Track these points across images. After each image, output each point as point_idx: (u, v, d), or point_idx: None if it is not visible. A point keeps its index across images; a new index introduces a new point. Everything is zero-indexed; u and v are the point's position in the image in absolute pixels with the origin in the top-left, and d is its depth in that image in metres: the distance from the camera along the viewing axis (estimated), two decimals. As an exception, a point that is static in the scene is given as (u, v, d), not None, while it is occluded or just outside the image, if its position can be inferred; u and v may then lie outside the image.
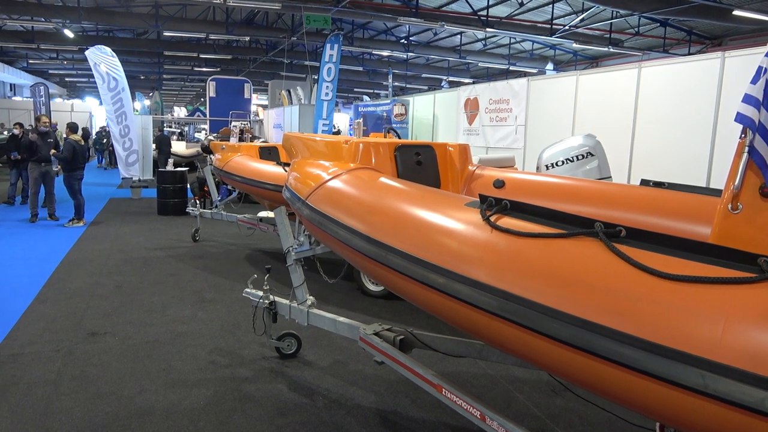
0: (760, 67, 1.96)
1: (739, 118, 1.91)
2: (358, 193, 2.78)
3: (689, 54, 19.83)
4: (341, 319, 3.88)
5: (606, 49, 20.36)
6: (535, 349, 1.74)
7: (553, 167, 5.70)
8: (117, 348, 4.50)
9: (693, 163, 6.23)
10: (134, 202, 13.18)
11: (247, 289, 4.50)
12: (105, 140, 22.78)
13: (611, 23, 18.93)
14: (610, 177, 5.72)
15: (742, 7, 14.57)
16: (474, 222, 2.03)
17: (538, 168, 5.81)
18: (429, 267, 2.06)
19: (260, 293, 4.34)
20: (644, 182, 3.27)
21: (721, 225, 2.01)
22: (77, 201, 9.81)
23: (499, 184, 3.56)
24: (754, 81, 1.95)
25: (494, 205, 2.04)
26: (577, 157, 5.63)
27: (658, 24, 19.55)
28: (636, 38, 20.52)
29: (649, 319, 1.47)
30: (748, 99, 1.93)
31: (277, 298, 4.33)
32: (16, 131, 11.50)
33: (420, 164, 3.55)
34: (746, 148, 1.89)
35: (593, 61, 25.01)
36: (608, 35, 20.06)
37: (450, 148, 3.69)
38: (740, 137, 1.98)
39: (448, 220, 2.14)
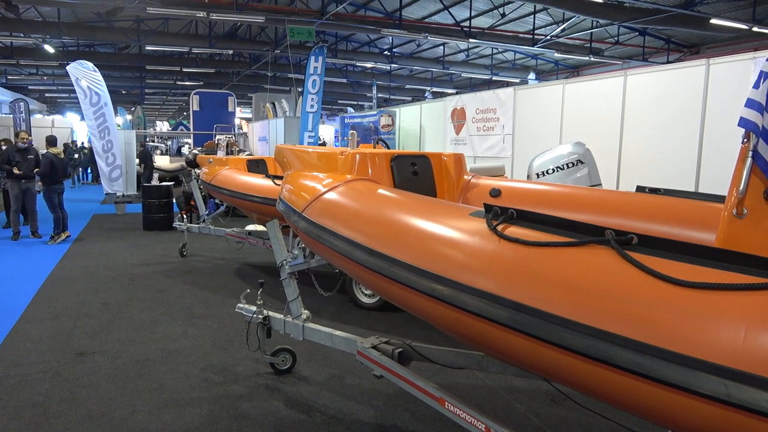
0: (761, 72, 1.96)
1: (743, 122, 1.91)
2: (358, 204, 2.74)
3: (668, 62, 20.19)
4: (338, 332, 3.83)
5: (587, 58, 20.65)
6: (549, 361, 1.71)
7: (543, 175, 5.71)
8: (106, 368, 4.39)
9: (681, 169, 6.29)
10: (119, 217, 13.01)
11: (240, 304, 4.42)
12: (76, 156, 22.34)
13: (591, 33, 19.22)
14: (600, 184, 5.75)
15: (719, 15, 14.87)
16: (480, 232, 2.01)
17: (528, 176, 5.82)
18: (434, 278, 2.02)
19: (254, 308, 4.26)
20: (640, 189, 3.28)
21: (726, 230, 2.00)
22: (56, 215, 9.63)
23: (496, 193, 3.55)
24: (756, 86, 1.95)
25: (500, 215, 2.02)
26: (567, 165, 5.65)
27: (637, 33, 19.89)
28: (616, 47, 20.85)
29: (668, 327, 1.44)
30: (750, 104, 1.93)
31: (271, 313, 4.26)
32: None
33: (416, 174, 3.53)
34: (750, 153, 1.89)
35: (574, 70, 25.35)
36: (589, 44, 20.36)
37: (445, 158, 3.68)
38: (743, 142, 1.97)
39: (453, 231, 2.11)
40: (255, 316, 4.23)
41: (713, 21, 14.60)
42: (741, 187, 1.88)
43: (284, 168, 4.14)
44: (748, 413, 1.30)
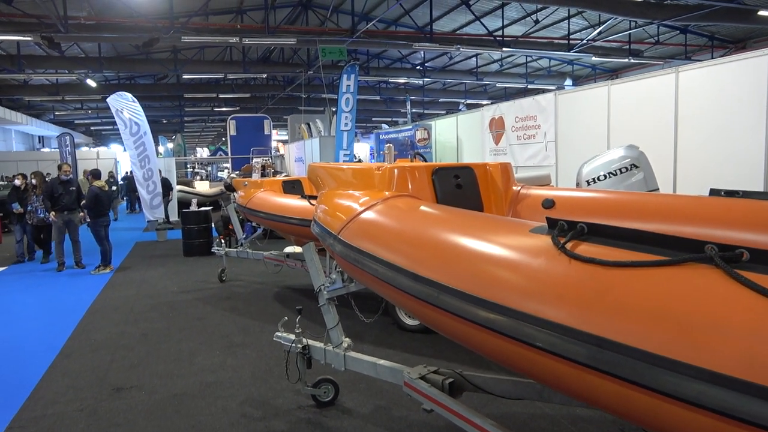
0: None
1: None
2: (399, 224, 2.47)
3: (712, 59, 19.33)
4: (382, 362, 3.54)
5: (626, 60, 20.01)
6: (644, 408, 1.38)
7: (594, 182, 5.34)
8: (143, 404, 4.21)
9: (744, 169, 5.79)
10: (160, 244, 13.10)
11: (278, 333, 4.19)
12: (114, 188, 22.86)
13: (629, 34, 18.62)
14: (658, 189, 5.33)
15: (766, 6, 14.12)
16: (546, 251, 1.70)
17: (578, 184, 5.45)
18: (493, 308, 1.72)
19: (292, 337, 4.02)
20: (714, 192, 2.90)
21: None
22: (104, 248, 9.71)
23: (549, 204, 3.23)
24: None
25: (568, 230, 1.71)
26: (620, 170, 5.26)
27: (679, 31, 19.17)
28: (656, 47, 20.14)
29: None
30: None
31: (310, 342, 4.01)
32: (17, 182, 10.93)
33: (460, 187, 3.24)
34: None
35: (613, 74, 24.62)
36: (627, 46, 19.73)
37: (490, 168, 3.38)
38: None
39: (512, 251, 1.81)
40: (294, 345, 3.99)
41: (761, 13, 13.86)
42: None
43: (318, 188, 3.91)
44: None
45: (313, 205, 4.72)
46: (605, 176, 5.29)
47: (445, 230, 2.16)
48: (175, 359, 5.17)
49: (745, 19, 14.53)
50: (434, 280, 1.96)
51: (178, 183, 17.72)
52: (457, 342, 2.06)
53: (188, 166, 33.60)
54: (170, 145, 35.13)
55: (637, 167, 5.25)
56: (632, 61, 20.10)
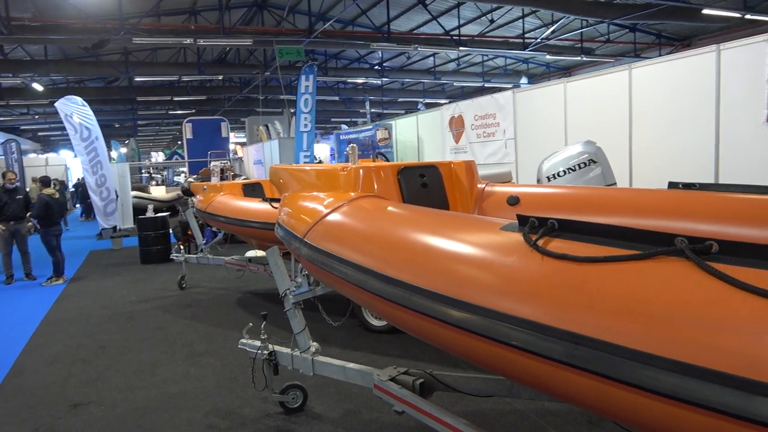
0: None
1: None
2: (367, 225, 2.42)
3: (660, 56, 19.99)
4: (351, 365, 3.50)
5: (579, 58, 20.48)
6: (621, 403, 1.38)
7: (554, 178, 5.42)
8: (103, 419, 4.04)
9: (698, 161, 5.98)
10: (115, 252, 12.68)
11: (243, 340, 4.09)
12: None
13: (581, 33, 19.06)
14: (615, 183, 5.45)
15: (710, 5, 14.68)
16: (518, 249, 1.68)
17: (539, 180, 5.53)
18: (466, 308, 1.70)
19: (258, 343, 3.93)
20: (672, 185, 2.97)
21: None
22: (55, 258, 9.32)
23: (514, 201, 3.24)
24: None
25: (539, 227, 1.70)
26: (578, 165, 5.36)
27: (628, 30, 19.73)
28: (607, 45, 20.69)
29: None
30: None
31: (276, 348, 3.93)
32: None
33: (425, 186, 3.22)
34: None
35: (566, 72, 25.17)
36: (579, 45, 20.19)
37: (454, 166, 3.37)
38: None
39: (484, 250, 1.79)
40: (260, 352, 3.90)
41: (705, 11, 14.39)
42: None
43: (281, 190, 3.83)
44: None
45: (276, 208, 4.63)
46: (565, 172, 5.38)
47: (415, 230, 2.13)
48: (136, 371, 4.99)
49: (691, 17, 15.06)
50: (406, 282, 1.92)
51: (133, 188, 17.16)
52: (431, 343, 2.03)
53: (143, 171, 32.70)
54: (124, 150, 34.13)
55: (594, 162, 5.36)
56: (584, 59, 20.60)
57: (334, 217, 2.66)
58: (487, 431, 2.38)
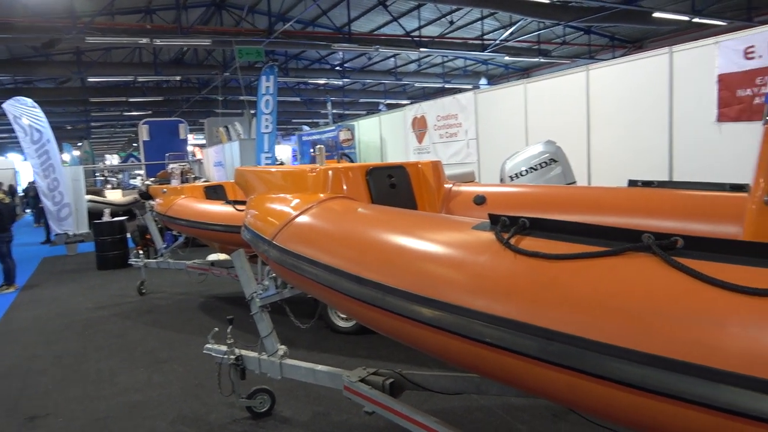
0: None
1: None
2: (338, 226, 2.41)
3: (614, 58, 20.59)
4: (320, 367, 3.48)
5: (536, 59, 20.91)
6: (594, 396, 1.42)
7: (517, 177, 5.52)
8: (62, 432, 3.90)
9: (653, 160, 6.19)
10: (70, 258, 12.26)
11: (208, 345, 4.01)
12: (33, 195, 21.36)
13: (539, 35, 19.47)
14: (575, 182, 5.59)
15: (661, 9, 15.22)
16: (490, 248, 1.71)
17: (501, 180, 5.62)
18: (440, 307, 1.72)
19: (224, 348, 3.86)
20: (632, 183, 3.07)
21: (756, 221, 1.77)
22: (6, 265, 8.96)
23: (481, 200, 3.29)
24: None
25: (510, 225, 1.73)
26: (540, 165, 5.47)
27: (583, 32, 20.26)
28: (563, 47, 21.18)
29: (744, 348, 1.17)
30: None
31: (243, 352, 3.87)
32: None
33: (393, 187, 3.23)
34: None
35: (524, 73, 25.67)
36: (537, 46, 20.62)
37: (422, 167, 3.39)
38: (764, 123, 1.76)
39: (456, 249, 1.81)
40: (226, 357, 3.83)
41: (656, 14, 14.91)
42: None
43: (247, 192, 3.78)
44: None
45: (240, 210, 4.56)
46: (527, 171, 5.49)
47: (387, 231, 2.13)
48: (95, 381, 4.84)
49: (642, 20, 15.58)
50: (379, 282, 1.92)
51: (88, 192, 16.61)
52: (405, 343, 2.04)
53: (97, 174, 31.72)
54: (77, 153, 33.00)
55: (555, 161, 5.48)
56: (542, 60, 21.05)
57: (304, 218, 2.65)
58: (456, 428, 2.40)
